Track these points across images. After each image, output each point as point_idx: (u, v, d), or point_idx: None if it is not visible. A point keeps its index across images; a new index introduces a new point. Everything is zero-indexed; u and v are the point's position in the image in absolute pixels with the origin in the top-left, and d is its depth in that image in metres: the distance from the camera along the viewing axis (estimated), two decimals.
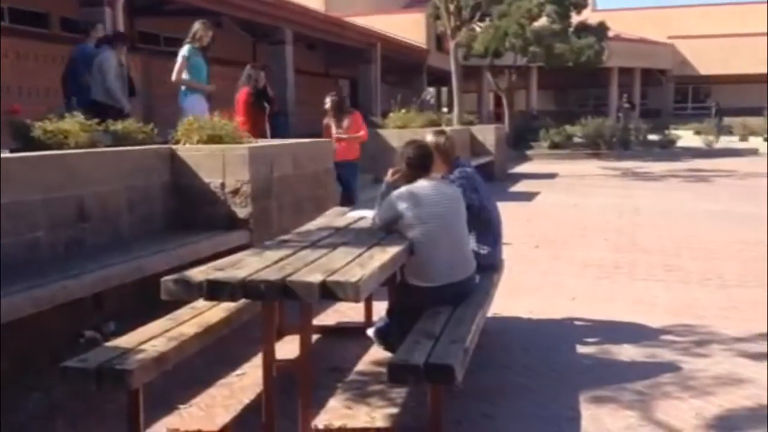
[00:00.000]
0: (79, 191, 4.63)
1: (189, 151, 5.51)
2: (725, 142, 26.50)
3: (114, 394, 3.42)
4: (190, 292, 3.07)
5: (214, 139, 5.63)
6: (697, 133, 27.96)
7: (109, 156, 5.04)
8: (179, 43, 8.10)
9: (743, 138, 25.92)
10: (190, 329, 3.46)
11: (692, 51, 39.28)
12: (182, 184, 5.49)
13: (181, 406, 3.68)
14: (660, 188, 14.51)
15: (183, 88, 7.80)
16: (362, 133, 8.90)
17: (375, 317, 4.79)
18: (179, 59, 7.73)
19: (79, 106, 7.74)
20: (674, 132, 26.90)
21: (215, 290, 3.03)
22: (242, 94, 8.42)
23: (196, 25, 7.84)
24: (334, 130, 8.66)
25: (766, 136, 28.35)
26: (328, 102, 8.83)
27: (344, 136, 8.65)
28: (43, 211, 4.32)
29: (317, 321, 4.93)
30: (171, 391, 3.76)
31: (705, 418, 3.51)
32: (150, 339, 3.28)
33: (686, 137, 26.68)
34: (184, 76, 7.72)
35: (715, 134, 26.81)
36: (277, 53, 15.90)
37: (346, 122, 8.76)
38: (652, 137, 25.47)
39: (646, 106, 38.75)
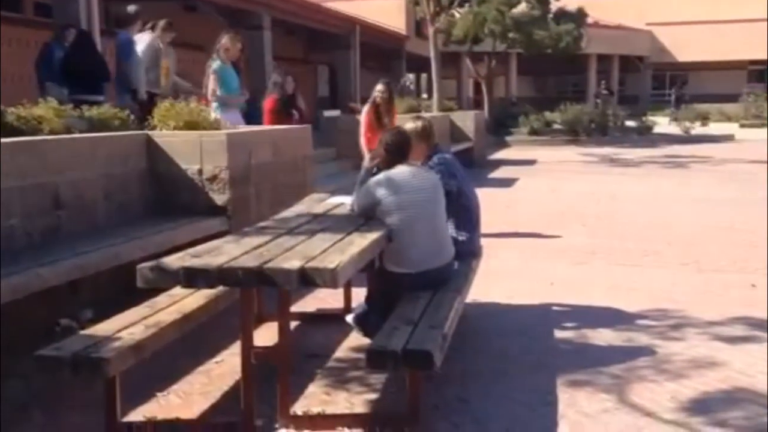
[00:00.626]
0: (55, 178, 4.57)
1: (166, 138, 5.46)
2: (701, 128, 26.71)
3: (91, 383, 3.40)
4: (167, 279, 3.06)
5: (191, 125, 5.58)
6: (674, 119, 28.20)
7: (84, 143, 4.98)
8: (155, 28, 7.98)
9: (704, 123, 26.16)
10: (167, 317, 3.44)
11: (670, 38, 39.51)
12: (159, 171, 5.44)
13: (159, 394, 3.67)
14: (637, 174, 14.63)
15: (215, 103, 7.42)
16: None
17: (354, 304, 4.80)
18: (210, 75, 7.46)
19: (123, 93, 7.69)
20: (651, 118, 27.11)
21: (192, 277, 3.02)
22: (268, 102, 8.09)
23: (224, 39, 7.61)
24: (382, 122, 7.34)
25: (741, 122, 28.72)
26: (382, 91, 7.50)
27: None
28: (17, 199, 4.26)
29: (297, 308, 4.92)
30: (149, 378, 3.74)
31: (680, 401, 3.56)
32: (127, 327, 3.26)
33: (663, 124, 26.91)
34: (218, 92, 7.40)
35: (677, 121, 27.06)
36: (255, 39, 15.75)
37: (386, 120, 7.38)
38: (630, 124, 25.65)
39: (623, 93, 38.96)
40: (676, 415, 3.40)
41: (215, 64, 7.46)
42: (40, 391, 3.62)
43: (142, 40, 8.08)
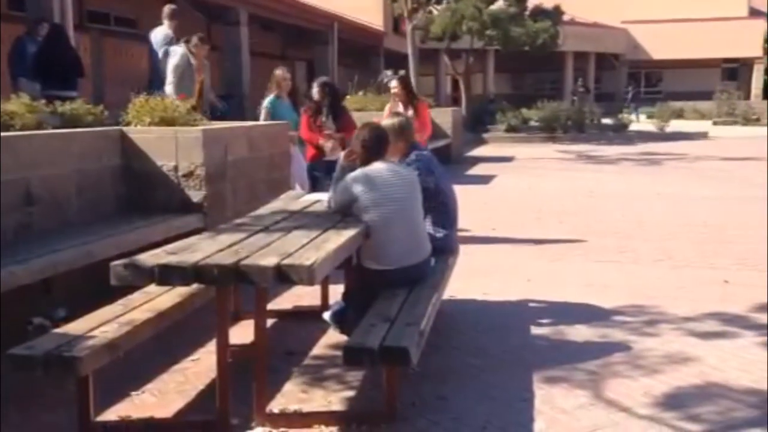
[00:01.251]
0: (26, 174, 4.50)
1: (140, 134, 5.40)
2: (675, 124, 26.99)
3: (64, 382, 3.36)
4: (141, 277, 3.02)
5: (166, 120, 5.52)
6: (650, 117, 28.46)
7: (56, 138, 4.91)
8: (130, 23, 7.90)
9: (663, 122, 26.29)
10: (142, 315, 3.41)
11: (645, 36, 39.89)
12: (134, 168, 5.38)
13: (134, 393, 3.63)
14: (613, 171, 14.74)
15: None
16: (428, 130, 7.22)
17: (332, 301, 4.78)
18: (263, 111, 7.40)
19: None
20: (627, 116, 27.33)
21: (167, 275, 2.99)
22: (304, 116, 7.23)
23: (277, 71, 7.53)
24: None
25: (714, 120, 29.09)
26: (394, 85, 7.07)
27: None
28: None
29: (274, 305, 4.90)
30: (123, 377, 3.70)
31: (654, 396, 3.59)
32: (100, 325, 3.22)
33: (639, 121, 27.15)
34: None
35: (629, 117, 27.15)
36: (232, 34, 15.66)
37: (411, 113, 6.80)
38: (606, 121, 25.85)
39: (600, 90, 39.29)
40: (650, 410, 3.43)
41: (267, 100, 7.39)
42: (13, 391, 3.56)
43: (175, 53, 7.94)
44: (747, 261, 6.47)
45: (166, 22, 8.57)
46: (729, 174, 13.74)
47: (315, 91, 6.99)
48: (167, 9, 8.55)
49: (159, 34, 8.55)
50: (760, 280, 5.78)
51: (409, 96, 7.08)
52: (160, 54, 8.36)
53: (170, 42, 8.31)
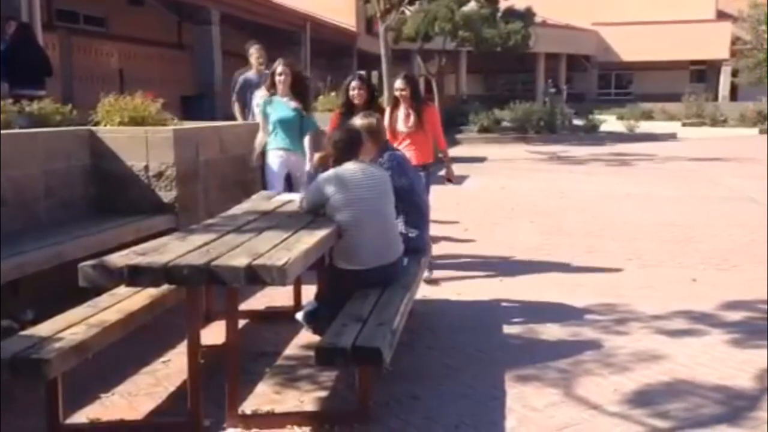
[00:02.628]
0: None
1: (110, 133, 5.35)
2: (645, 126, 27.31)
3: (32, 384, 3.31)
4: (110, 277, 2.99)
5: (136, 120, 5.48)
6: (620, 118, 28.76)
7: (23, 138, 4.85)
8: (99, 22, 7.80)
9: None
10: (111, 316, 3.37)
11: (615, 38, 40.29)
12: (103, 168, 5.32)
13: (103, 395, 3.59)
14: (584, 172, 14.89)
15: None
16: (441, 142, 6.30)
17: (304, 301, 4.77)
18: (256, 113, 6.57)
19: None
20: (598, 117, 27.60)
21: (137, 276, 2.96)
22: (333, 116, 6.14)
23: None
24: (401, 124, 5.94)
25: (683, 121, 29.47)
26: (401, 86, 5.97)
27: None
28: None
29: (246, 306, 4.88)
30: (92, 380, 3.66)
31: (624, 394, 3.63)
32: (69, 327, 3.18)
33: (609, 122, 27.43)
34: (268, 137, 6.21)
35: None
36: (203, 34, 15.55)
37: (412, 121, 5.92)
38: (577, 122, 26.08)
39: (571, 91, 39.61)
40: (620, 408, 3.47)
41: (258, 97, 6.41)
42: None
43: (257, 96, 6.85)
44: (714, 260, 6.58)
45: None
46: (697, 174, 13.95)
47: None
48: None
49: (259, 98, 6.68)
50: (726, 279, 5.88)
51: (415, 98, 5.96)
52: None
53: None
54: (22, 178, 4.69)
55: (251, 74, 7.71)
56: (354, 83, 5.75)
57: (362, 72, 6.77)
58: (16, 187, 4.63)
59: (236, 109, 7.84)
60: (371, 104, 5.73)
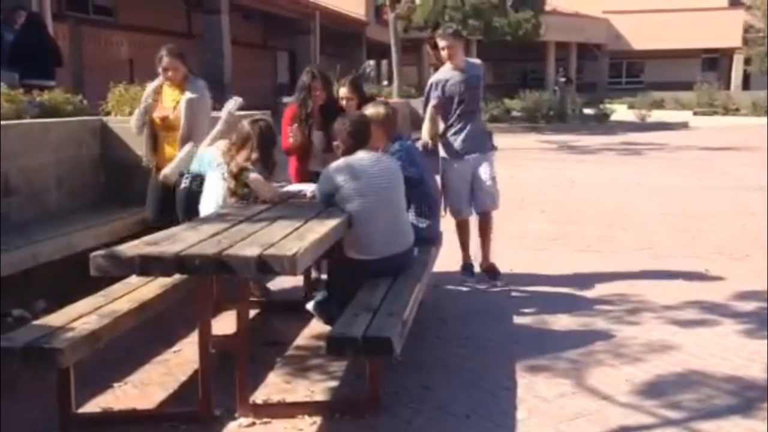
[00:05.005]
0: (4, 164, 4.45)
1: (120, 123, 5.35)
2: (656, 115, 27.16)
3: (45, 373, 3.32)
4: (122, 267, 2.99)
5: None
6: (631, 107, 28.59)
7: (35, 128, 4.86)
8: (108, 11, 7.81)
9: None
10: (123, 306, 3.38)
11: (626, 26, 40.03)
12: (113, 158, 5.33)
13: (115, 385, 3.60)
14: (595, 161, 14.81)
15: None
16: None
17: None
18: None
19: None
20: (609, 106, 27.44)
21: (148, 265, 2.96)
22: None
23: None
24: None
25: (695, 110, 29.29)
26: (346, 94, 5.15)
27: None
28: None
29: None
30: (104, 369, 3.67)
31: (635, 384, 3.62)
32: (81, 316, 3.19)
33: (620, 111, 27.27)
34: None
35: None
36: (213, 23, 15.53)
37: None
38: (588, 111, 25.94)
39: (581, 81, 39.40)
40: (631, 398, 3.46)
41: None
42: None
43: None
44: (726, 250, 6.54)
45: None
46: (709, 164, 13.86)
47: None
48: None
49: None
50: (738, 269, 5.84)
51: (362, 101, 5.08)
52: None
53: None
54: (34, 167, 4.70)
55: None
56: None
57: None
58: (27, 176, 4.64)
59: None
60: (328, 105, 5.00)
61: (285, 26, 21.52)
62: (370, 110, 4.58)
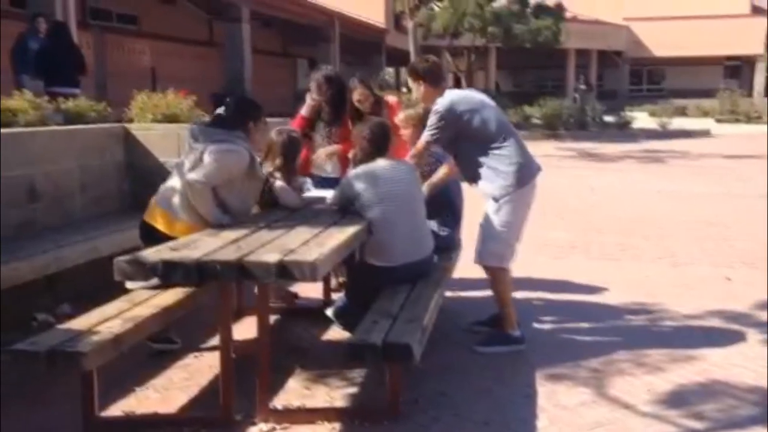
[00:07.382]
0: (30, 171, 4.52)
1: (143, 130, 5.41)
2: (678, 123, 26.95)
3: (68, 377, 3.37)
4: (144, 272, 3.03)
5: (169, 117, 5.54)
6: (652, 114, 28.40)
7: (60, 135, 4.93)
8: (132, 20, 7.91)
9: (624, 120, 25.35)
10: (146, 310, 3.41)
11: (647, 33, 39.82)
12: (137, 164, 5.40)
13: (137, 389, 3.64)
14: (615, 169, 14.73)
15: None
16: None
17: (334, 297, 4.79)
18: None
19: None
20: (630, 113, 27.28)
21: (170, 271, 2.99)
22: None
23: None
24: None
25: (717, 117, 29.03)
26: (361, 94, 5.12)
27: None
28: None
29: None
30: (127, 373, 3.71)
31: (657, 394, 3.59)
32: (105, 321, 3.22)
33: (641, 118, 27.10)
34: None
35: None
36: (234, 31, 15.66)
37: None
38: (608, 118, 25.80)
39: (602, 88, 39.22)
40: (653, 408, 3.44)
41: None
42: (16, 387, 3.57)
43: None
44: (748, 259, 6.47)
45: None
46: (731, 172, 13.73)
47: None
48: None
49: None
50: (761, 278, 5.78)
51: (375, 99, 5.17)
52: None
53: None
54: (59, 173, 4.77)
55: None
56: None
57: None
58: (53, 182, 4.71)
59: None
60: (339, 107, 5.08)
61: (305, 34, 21.66)
62: (408, 111, 4.62)
